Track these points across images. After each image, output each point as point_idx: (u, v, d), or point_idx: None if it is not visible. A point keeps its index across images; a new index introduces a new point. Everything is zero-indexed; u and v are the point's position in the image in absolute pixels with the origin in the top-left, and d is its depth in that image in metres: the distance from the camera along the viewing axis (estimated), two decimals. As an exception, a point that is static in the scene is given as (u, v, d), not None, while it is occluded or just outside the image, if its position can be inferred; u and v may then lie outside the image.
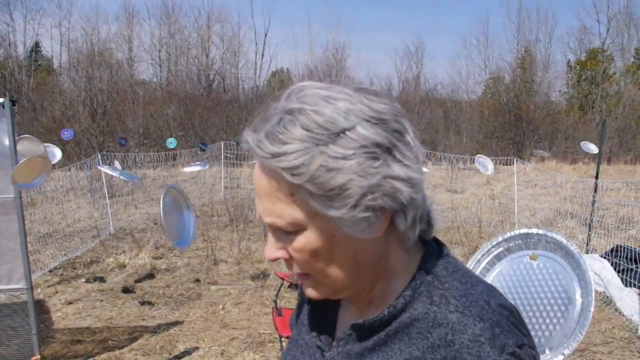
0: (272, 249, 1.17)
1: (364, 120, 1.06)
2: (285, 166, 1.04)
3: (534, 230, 4.00)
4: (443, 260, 1.21)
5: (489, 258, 4.15)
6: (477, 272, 4.13)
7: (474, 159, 15.20)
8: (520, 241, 4.04)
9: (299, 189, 1.06)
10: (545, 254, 3.92)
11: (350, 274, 1.16)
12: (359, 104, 1.08)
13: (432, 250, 1.22)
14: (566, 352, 3.62)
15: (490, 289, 1.18)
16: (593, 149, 13.57)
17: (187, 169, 15.82)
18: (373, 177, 1.05)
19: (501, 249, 4.13)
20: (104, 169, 11.04)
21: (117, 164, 13.92)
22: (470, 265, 4.22)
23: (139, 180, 12.21)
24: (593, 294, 3.39)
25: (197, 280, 9.24)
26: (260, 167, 1.11)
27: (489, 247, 4.18)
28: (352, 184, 1.04)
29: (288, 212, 1.09)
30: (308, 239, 1.11)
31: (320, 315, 1.35)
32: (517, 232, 4.06)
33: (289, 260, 1.17)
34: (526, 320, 3.79)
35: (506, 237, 4.15)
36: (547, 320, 3.71)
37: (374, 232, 1.10)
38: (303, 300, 1.46)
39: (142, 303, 8.20)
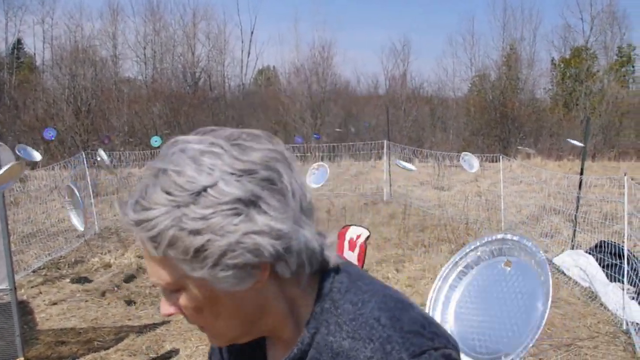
0: (165, 305, 1.18)
1: (228, 175, 1.05)
2: (147, 235, 1.05)
3: (509, 236, 4.00)
4: (337, 282, 1.20)
5: (467, 261, 4.15)
6: (454, 275, 4.14)
7: (460, 156, 15.23)
8: (497, 246, 4.04)
9: (163, 253, 1.06)
10: (519, 260, 3.92)
11: (240, 325, 1.18)
12: (227, 157, 1.06)
13: (325, 277, 1.21)
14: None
15: (384, 301, 1.17)
16: (577, 143, 13.64)
17: None
18: (232, 235, 1.03)
19: (479, 253, 4.13)
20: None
21: (101, 152, 13.83)
22: (447, 267, 4.22)
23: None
24: (549, 304, 3.39)
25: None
26: None
27: (467, 250, 4.19)
28: (210, 245, 1.03)
29: (162, 275, 1.11)
30: (189, 297, 1.13)
31: (249, 356, 1.36)
32: (494, 237, 4.06)
33: (184, 315, 1.18)
34: (493, 325, 3.81)
35: (484, 241, 4.15)
36: (508, 327, 3.71)
37: (250, 284, 1.10)
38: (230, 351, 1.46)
39: (128, 303, 8.16)
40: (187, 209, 1.02)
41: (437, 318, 3.90)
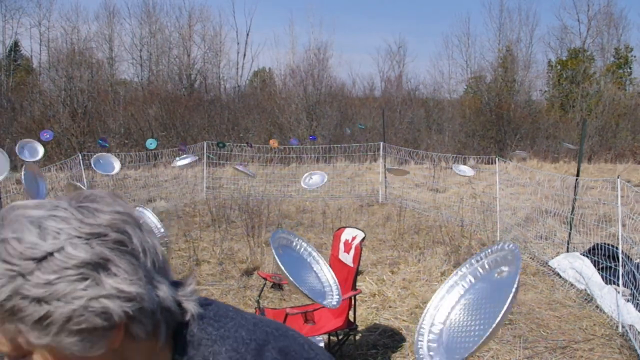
0: None
1: (75, 238, 1.02)
2: None
3: (507, 245, 3.97)
4: (188, 335, 1.20)
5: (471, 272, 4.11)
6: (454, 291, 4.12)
7: (455, 161, 15.24)
8: (495, 256, 4.00)
9: (3, 322, 1.01)
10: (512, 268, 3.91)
11: None
12: (73, 220, 1.03)
13: (177, 333, 1.20)
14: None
15: (237, 340, 1.19)
16: (571, 146, 13.69)
17: (179, 163, 15.73)
18: (78, 301, 1.00)
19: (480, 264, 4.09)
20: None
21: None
22: (450, 280, 4.19)
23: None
24: (501, 315, 3.37)
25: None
26: None
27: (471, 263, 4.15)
28: (54, 312, 0.99)
29: (4, 343, 1.04)
30: None
31: None
32: (495, 247, 4.03)
33: None
34: (469, 333, 3.78)
35: (484, 253, 4.12)
36: (472, 334, 3.68)
37: (104, 348, 1.06)
38: None
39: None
40: (30, 276, 0.98)
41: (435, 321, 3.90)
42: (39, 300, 0.99)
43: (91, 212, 1.05)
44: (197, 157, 15.77)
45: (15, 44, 45.35)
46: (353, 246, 6.15)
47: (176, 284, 1.21)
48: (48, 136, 19.43)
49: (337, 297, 5.25)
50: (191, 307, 1.19)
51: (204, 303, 1.24)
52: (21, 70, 44.42)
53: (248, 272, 9.49)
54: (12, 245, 0.99)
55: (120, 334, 1.07)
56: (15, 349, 1.04)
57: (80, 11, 55.49)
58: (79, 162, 13.26)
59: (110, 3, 53.22)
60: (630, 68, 47.16)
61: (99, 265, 1.02)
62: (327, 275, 5.60)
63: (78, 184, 9.05)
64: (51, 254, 0.99)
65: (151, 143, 19.41)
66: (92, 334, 1.03)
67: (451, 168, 16.37)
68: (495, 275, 3.80)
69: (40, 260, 0.99)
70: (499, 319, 3.32)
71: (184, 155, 16.55)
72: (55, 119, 32.37)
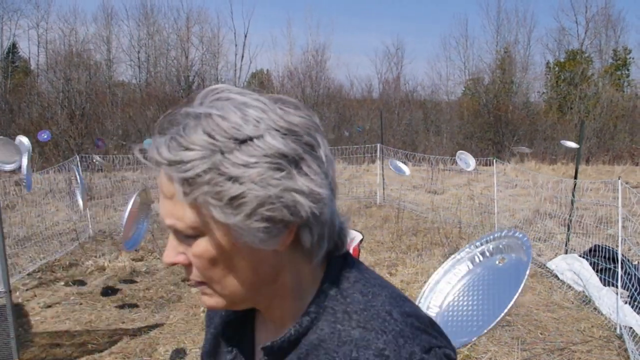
0: (172, 252, 1.13)
1: (273, 130, 1.04)
2: (180, 177, 1.03)
3: (508, 232, 3.96)
4: (345, 271, 1.19)
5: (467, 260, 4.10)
6: (452, 273, 4.11)
7: (455, 159, 15.21)
8: (495, 243, 3.99)
9: (196, 196, 1.03)
10: (513, 257, 3.89)
11: (249, 286, 1.14)
12: (272, 113, 1.06)
13: (334, 262, 1.20)
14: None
15: (394, 296, 1.17)
16: (572, 144, 13.66)
17: None
18: (273, 188, 1.02)
19: (480, 249, 4.08)
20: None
21: (96, 157, 13.82)
22: (447, 264, 4.18)
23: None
24: (510, 305, 3.36)
25: (177, 281, 9.21)
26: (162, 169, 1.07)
27: (469, 249, 4.14)
28: (249, 193, 1.02)
29: (187, 216, 1.06)
30: (207, 245, 1.09)
31: (237, 340, 1.33)
32: (497, 234, 4.02)
33: (189, 267, 1.14)
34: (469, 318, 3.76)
35: (485, 239, 4.10)
36: (473, 320, 3.65)
37: (275, 244, 1.08)
38: (218, 332, 1.41)
39: (122, 306, 8.16)
40: (229, 155, 1.01)
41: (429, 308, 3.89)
42: (235, 179, 1.01)
43: (286, 112, 1.08)
44: None
45: (13, 46, 45.34)
46: (351, 248, 6.14)
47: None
48: (46, 136, 19.39)
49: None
50: (346, 241, 1.21)
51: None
52: (19, 71, 44.42)
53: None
54: (216, 121, 1.02)
55: (291, 236, 1.09)
56: (191, 227, 1.07)
57: (78, 13, 55.45)
58: (77, 163, 13.24)
59: (108, 5, 53.36)
60: (628, 70, 47.31)
61: (294, 161, 1.05)
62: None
63: (74, 168, 9.10)
64: (251, 139, 1.02)
65: (149, 143, 19.41)
66: (275, 225, 1.05)
67: (449, 170, 16.39)
68: (497, 262, 3.78)
69: (241, 142, 1.02)
70: (510, 304, 3.33)
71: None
72: (53, 120, 32.35)
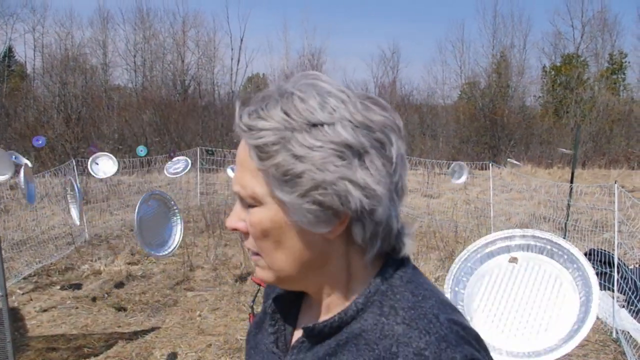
0: (234, 218, 1.21)
1: (347, 120, 1.08)
2: (252, 143, 1.10)
3: (518, 232, 3.93)
4: (400, 271, 1.21)
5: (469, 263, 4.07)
6: (461, 274, 4.07)
7: (450, 164, 15.22)
8: (502, 244, 3.96)
9: (263, 166, 1.10)
10: (529, 255, 3.86)
11: (296, 266, 1.18)
12: (351, 105, 1.10)
13: (390, 261, 1.22)
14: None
15: (444, 303, 1.18)
16: (566, 151, 13.67)
17: (171, 171, 15.51)
18: (330, 174, 1.07)
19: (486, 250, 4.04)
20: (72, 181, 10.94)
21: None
22: (455, 266, 4.15)
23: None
24: (595, 302, 3.30)
25: (173, 285, 9.20)
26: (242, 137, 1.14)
27: (475, 248, 4.09)
28: (307, 174, 1.07)
29: (251, 184, 1.14)
30: (262, 215, 1.14)
31: (278, 322, 1.36)
32: (502, 234, 3.98)
33: (246, 234, 1.20)
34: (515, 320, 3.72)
35: (489, 240, 4.07)
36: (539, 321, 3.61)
37: (324, 230, 1.12)
38: (267, 305, 1.45)
39: (118, 310, 8.15)
40: (298, 134, 1.07)
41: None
42: (298, 158, 1.07)
43: (367, 108, 1.12)
44: (188, 163, 15.49)
45: (9, 50, 45.27)
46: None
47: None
48: (40, 142, 19.36)
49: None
50: (408, 245, 1.23)
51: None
52: (15, 76, 44.36)
53: (242, 278, 9.48)
54: (295, 102, 1.10)
55: (342, 227, 1.13)
56: (251, 196, 1.14)
57: (74, 17, 55.17)
58: (73, 167, 13.21)
59: (104, 9, 53.20)
60: (624, 74, 47.37)
61: (357, 153, 1.09)
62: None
63: (72, 179, 9.07)
64: (322, 124, 1.08)
65: (141, 150, 19.36)
66: (325, 211, 1.10)
67: (445, 174, 16.37)
68: (509, 260, 3.75)
69: (313, 125, 1.08)
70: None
71: (176, 159, 16.29)
72: (49, 124, 32.36)
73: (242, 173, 1.15)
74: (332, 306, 1.23)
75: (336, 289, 1.22)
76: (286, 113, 1.08)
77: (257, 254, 1.21)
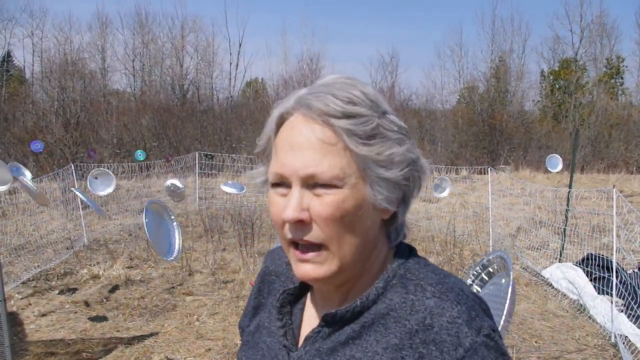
0: (297, 208, 1.15)
1: (393, 114, 1.22)
2: (357, 128, 1.14)
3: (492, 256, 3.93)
4: (414, 258, 1.28)
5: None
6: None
7: (447, 171, 15.20)
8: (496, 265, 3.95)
9: (363, 148, 1.15)
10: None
11: (359, 252, 1.20)
12: (386, 105, 1.22)
13: (403, 250, 1.29)
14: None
15: (462, 281, 1.25)
16: (558, 164, 13.66)
17: (226, 188, 15.18)
18: (412, 153, 1.21)
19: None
20: (76, 192, 10.92)
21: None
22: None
23: (102, 213, 12.15)
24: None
25: (172, 290, 9.19)
26: (310, 120, 1.15)
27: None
28: (399, 154, 1.18)
29: (337, 164, 1.14)
30: (340, 197, 1.14)
31: (286, 317, 1.37)
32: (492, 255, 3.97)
33: (308, 224, 1.17)
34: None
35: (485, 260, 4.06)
36: None
37: (392, 206, 1.21)
38: (261, 302, 1.49)
39: (117, 314, 8.14)
40: (382, 118, 1.18)
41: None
42: (393, 141, 1.19)
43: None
44: (244, 189, 14.86)
45: (8, 54, 45.34)
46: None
47: None
48: (39, 147, 19.34)
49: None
50: (406, 235, 1.33)
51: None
52: (14, 80, 44.37)
53: (240, 283, 9.48)
54: (364, 89, 1.19)
55: (390, 212, 1.23)
56: (337, 177, 1.14)
57: (73, 22, 55.49)
58: (72, 172, 13.21)
59: (102, 14, 53.27)
60: (622, 78, 47.49)
61: (408, 138, 1.23)
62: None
63: (75, 191, 9.08)
64: (386, 113, 1.21)
65: (140, 155, 19.31)
66: (407, 186, 1.22)
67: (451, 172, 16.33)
68: (502, 280, 3.76)
69: (383, 113, 1.20)
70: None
71: (229, 182, 15.85)
72: (47, 129, 32.32)
73: (321, 154, 1.13)
74: (351, 293, 1.27)
75: (366, 276, 1.26)
76: (368, 98, 1.17)
77: (315, 249, 1.18)
